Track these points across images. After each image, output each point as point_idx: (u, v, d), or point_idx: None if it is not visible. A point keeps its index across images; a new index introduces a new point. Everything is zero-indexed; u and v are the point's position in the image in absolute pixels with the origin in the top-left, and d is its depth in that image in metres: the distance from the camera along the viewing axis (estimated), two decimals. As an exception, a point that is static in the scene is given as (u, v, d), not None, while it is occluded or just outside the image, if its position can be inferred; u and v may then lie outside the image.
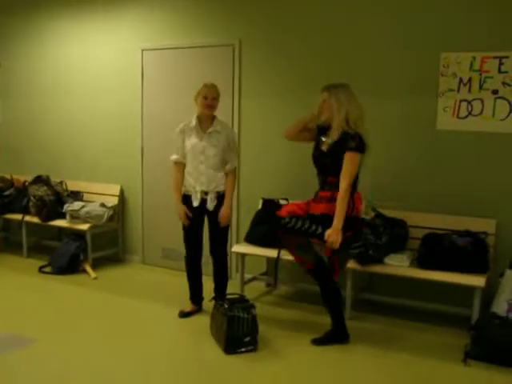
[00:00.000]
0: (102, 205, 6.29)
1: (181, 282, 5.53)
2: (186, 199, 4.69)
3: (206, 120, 4.65)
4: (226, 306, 4.20)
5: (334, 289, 4.21)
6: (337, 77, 4.65)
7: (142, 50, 6.24)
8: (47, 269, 6.18)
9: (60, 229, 6.73)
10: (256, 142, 5.70)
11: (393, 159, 5.04)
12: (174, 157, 4.71)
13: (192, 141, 4.64)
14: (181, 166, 4.69)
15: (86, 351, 4.17)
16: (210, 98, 4.56)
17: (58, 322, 4.77)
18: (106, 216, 6.24)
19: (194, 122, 4.65)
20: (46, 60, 6.97)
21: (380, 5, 5.01)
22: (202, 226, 4.79)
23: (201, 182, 4.63)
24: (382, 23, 5.00)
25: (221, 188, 4.66)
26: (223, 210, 4.65)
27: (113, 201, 6.44)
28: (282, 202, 5.18)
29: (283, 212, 4.20)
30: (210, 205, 4.65)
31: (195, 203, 4.66)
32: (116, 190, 6.50)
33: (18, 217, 6.61)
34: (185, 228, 4.77)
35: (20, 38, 7.15)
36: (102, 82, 6.57)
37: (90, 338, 4.44)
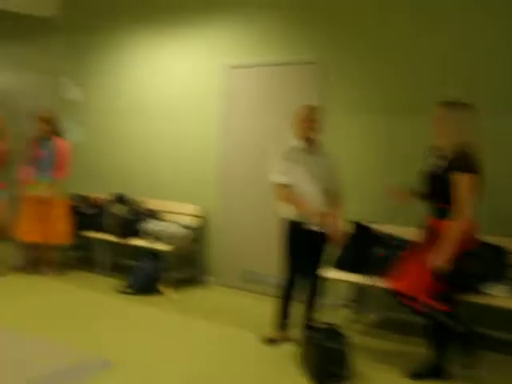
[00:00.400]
0: (181, 225, 6.20)
1: (261, 305, 5.38)
2: (295, 226, 4.53)
3: (310, 142, 4.55)
4: (318, 334, 4.00)
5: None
6: (427, 97, 4.43)
7: (224, 68, 6.16)
8: (126, 289, 6.11)
9: (138, 248, 6.67)
10: (340, 162, 5.49)
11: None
12: (281, 179, 4.53)
13: (300, 164, 4.51)
14: (290, 188, 4.52)
15: (167, 375, 4.04)
16: (312, 121, 4.49)
17: (136, 344, 4.68)
18: (186, 237, 6.14)
19: (298, 145, 4.55)
20: (127, 78, 7.00)
21: (469, 21, 4.75)
22: (311, 249, 4.64)
23: (313, 204, 4.50)
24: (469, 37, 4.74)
25: (327, 209, 4.55)
26: (338, 231, 4.54)
27: (192, 221, 6.34)
28: (373, 225, 4.95)
29: (401, 287, 3.90)
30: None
31: (313, 227, 4.50)
32: (195, 210, 6.39)
33: (98, 235, 6.61)
34: (292, 251, 4.60)
35: (101, 56, 7.23)
36: (182, 100, 6.53)
37: (170, 361, 4.31)
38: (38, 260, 6.88)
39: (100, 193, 7.10)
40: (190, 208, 6.45)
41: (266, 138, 5.95)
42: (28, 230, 6.68)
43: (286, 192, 4.51)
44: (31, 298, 5.98)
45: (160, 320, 5.31)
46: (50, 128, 6.58)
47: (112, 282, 6.46)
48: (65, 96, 7.59)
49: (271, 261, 5.86)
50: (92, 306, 5.74)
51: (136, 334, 4.93)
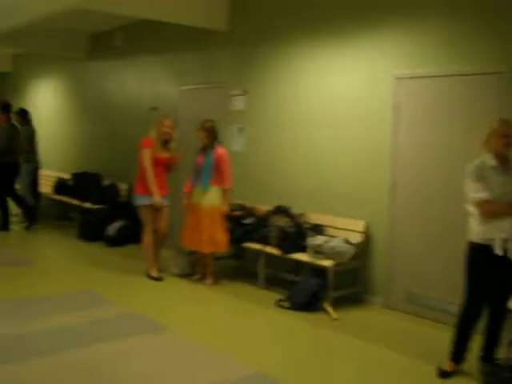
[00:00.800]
0: (346, 241, 5.93)
1: (428, 332, 5.07)
2: (483, 249, 4.16)
3: (503, 159, 4.19)
4: (502, 373, 3.59)
5: None
6: None
7: (395, 79, 5.84)
8: (285, 303, 5.96)
9: (297, 262, 6.50)
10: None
11: None
12: (482, 195, 4.11)
13: (496, 182, 4.13)
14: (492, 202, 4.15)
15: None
16: (508, 136, 4.11)
17: (297, 362, 4.56)
18: (349, 253, 5.87)
19: (492, 162, 4.17)
20: (291, 89, 6.88)
21: None
22: (500, 277, 4.23)
23: (501, 227, 4.10)
24: None
25: None
26: None
27: (356, 237, 6.05)
28: None
29: None
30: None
31: (498, 251, 4.10)
32: (360, 225, 6.09)
33: (257, 246, 6.52)
34: (478, 276, 4.23)
35: (265, 67, 7.18)
36: (348, 111, 6.27)
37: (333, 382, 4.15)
38: (197, 268, 6.95)
39: (259, 203, 7.04)
40: (353, 223, 6.17)
41: (442, 154, 5.54)
42: (189, 238, 6.79)
43: (491, 206, 4.12)
44: (187, 305, 6.04)
45: (320, 338, 5.15)
46: (211, 137, 6.62)
47: (268, 294, 6.36)
48: (230, 106, 7.63)
49: (441, 284, 5.50)
50: (249, 317, 5.68)
51: (295, 351, 4.82)
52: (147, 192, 6.72)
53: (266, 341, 5.07)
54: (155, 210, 6.79)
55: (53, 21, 8.42)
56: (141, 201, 6.79)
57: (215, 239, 6.63)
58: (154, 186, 6.66)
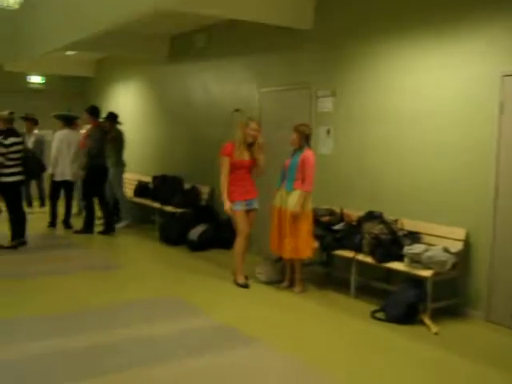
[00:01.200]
0: (446, 250, 5.57)
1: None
2: None
3: None
4: None
5: None
6: None
7: (502, 76, 5.43)
8: (380, 314, 5.67)
9: (389, 271, 6.18)
10: None
11: None
12: None
13: None
14: None
15: None
16: None
17: (397, 378, 4.32)
18: (449, 263, 5.50)
19: None
20: (384, 88, 6.56)
21: None
22: None
23: None
24: None
25: None
26: None
27: (456, 246, 5.68)
28: None
29: None
30: None
31: None
32: (460, 234, 5.70)
33: (349, 254, 6.24)
34: None
35: (353, 67, 6.89)
36: (447, 111, 5.89)
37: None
38: (285, 275, 6.75)
39: (350, 208, 6.76)
40: (452, 230, 5.78)
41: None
42: (273, 243, 6.62)
43: None
44: (277, 314, 5.85)
45: (419, 353, 4.84)
46: (302, 140, 6.45)
47: (360, 304, 6.09)
48: (317, 108, 7.39)
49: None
50: (341, 329, 5.45)
51: (393, 367, 4.53)
52: (240, 197, 6.65)
53: (361, 354, 4.81)
54: (247, 214, 6.72)
55: (134, 24, 8.41)
56: (235, 207, 6.67)
57: (299, 245, 6.42)
58: (225, 193, 6.64)
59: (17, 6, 12.16)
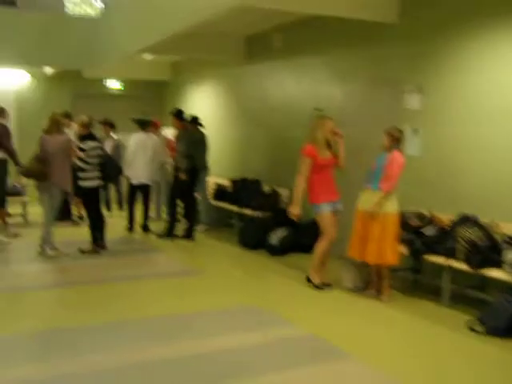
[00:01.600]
0: (552, 256, 5.13)
1: None
2: None
3: None
4: None
5: None
6: None
7: None
8: (477, 326, 5.27)
9: (484, 279, 5.75)
10: None
11: None
12: None
13: None
14: None
15: None
16: None
17: None
18: (557, 271, 5.07)
19: None
20: (476, 84, 6.14)
21: None
22: None
23: None
24: None
25: None
26: None
27: None
28: None
29: None
30: None
31: None
32: None
33: (441, 260, 5.85)
34: None
35: (443, 62, 6.49)
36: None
37: None
38: (371, 282, 6.43)
39: (442, 212, 6.35)
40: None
41: None
42: (355, 247, 6.33)
43: None
44: (365, 325, 5.54)
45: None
46: (393, 143, 6.19)
47: (454, 314, 5.71)
48: (403, 105, 7.01)
49: None
50: (435, 342, 5.09)
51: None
52: (326, 199, 6.49)
53: (457, 372, 4.45)
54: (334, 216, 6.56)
55: (210, 25, 8.27)
56: (323, 209, 6.49)
57: (384, 250, 6.09)
58: (298, 196, 6.51)
59: (93, 15, 12.33)
